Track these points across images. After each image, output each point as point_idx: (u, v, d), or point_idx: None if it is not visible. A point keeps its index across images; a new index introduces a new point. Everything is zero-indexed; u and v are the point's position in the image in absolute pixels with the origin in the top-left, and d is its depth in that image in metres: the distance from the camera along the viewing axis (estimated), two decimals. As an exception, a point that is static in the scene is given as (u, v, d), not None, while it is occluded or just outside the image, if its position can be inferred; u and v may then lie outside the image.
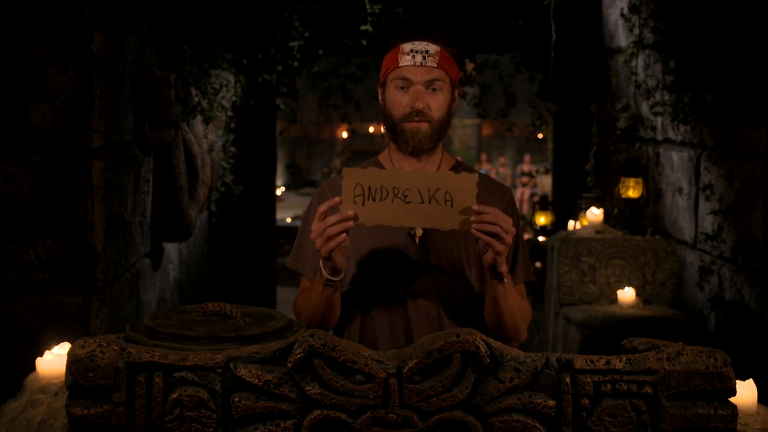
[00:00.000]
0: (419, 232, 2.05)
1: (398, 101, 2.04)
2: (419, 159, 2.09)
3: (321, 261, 1.90)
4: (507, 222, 1.84)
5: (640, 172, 5.11)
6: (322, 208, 1.86)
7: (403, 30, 2.12)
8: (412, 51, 2.02)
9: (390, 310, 2.04)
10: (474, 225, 1.83)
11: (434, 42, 2.04)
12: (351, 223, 1.83)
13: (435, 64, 2.02)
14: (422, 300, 2.04)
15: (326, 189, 2.14)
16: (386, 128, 2.10)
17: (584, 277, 4.34)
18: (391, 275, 2.04)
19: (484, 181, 2.13)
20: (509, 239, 1.85)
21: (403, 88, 2.03)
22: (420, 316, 2.04)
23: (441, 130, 2.07)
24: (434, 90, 2.03)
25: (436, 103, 2.03)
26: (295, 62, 5.61)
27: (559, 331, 4.42)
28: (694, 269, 4.40)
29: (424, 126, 2.03)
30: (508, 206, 2.11)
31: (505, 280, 1.93)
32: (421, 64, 2.01)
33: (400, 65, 2.02)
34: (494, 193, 2.13)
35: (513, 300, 2.00)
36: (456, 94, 2.10)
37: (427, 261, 2.05)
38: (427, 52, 2.02)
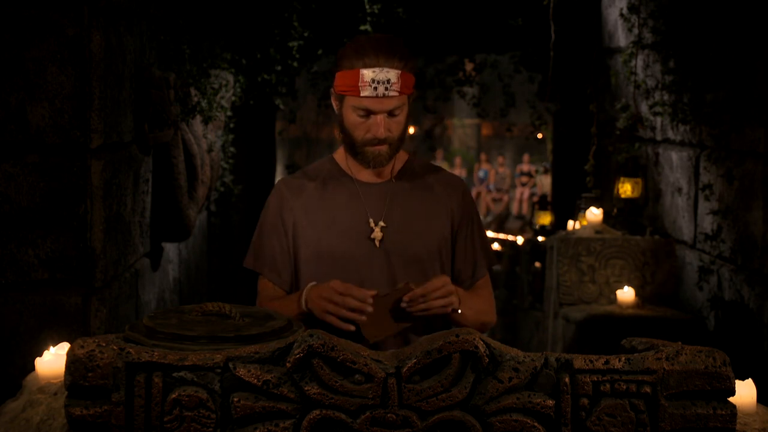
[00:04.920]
0: (379, 236, 2.07)
1: (358, 126, 2.04)
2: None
3: (316, 310, 1.98)
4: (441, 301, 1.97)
5: (640, 172, 5.11)
6: (357, 293, 1.93)
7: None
8: (373, 81, 1.98)
9: None
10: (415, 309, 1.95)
11: (394, 65, 1.99)
12: (370, 309, 1.93)
13: (396, 93, 2.00)
14: None
15: (283, 189, 2.16)
16: (344, 142, 2.12)
17: (583, 277, 4.34)
18: (353, 279, 2.03)
19: (438, 173, 2.20)
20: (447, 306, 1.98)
21: (363, 116, 2.03)
22: None
23: (400, 144, 2.10)
24: (395, 116, 2.04)
25: (396, 126, 2.05)
26: (294, 62, 5.61)
27: (559, 331, 4.42)
28: (693, 269, 4.40)
29: (385, 148, 2.06)
30: (464, 198, 2.16)
31: (459, 310, 2.01)
32: (384, 95, 1.99)
33: (360, 95, 2.00)
34: (448, 186, 2.17)
35: (471, 312, 2.07)
36: (411, 101, 2.10)
37: (389, 263, 2.07)
38: (388, 81, 1.98)
